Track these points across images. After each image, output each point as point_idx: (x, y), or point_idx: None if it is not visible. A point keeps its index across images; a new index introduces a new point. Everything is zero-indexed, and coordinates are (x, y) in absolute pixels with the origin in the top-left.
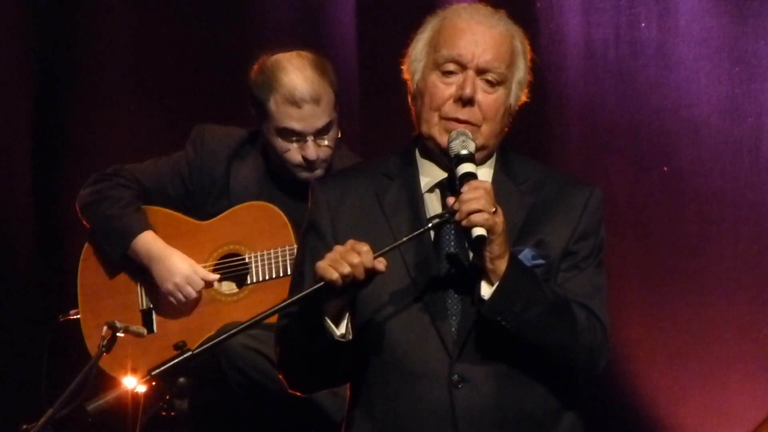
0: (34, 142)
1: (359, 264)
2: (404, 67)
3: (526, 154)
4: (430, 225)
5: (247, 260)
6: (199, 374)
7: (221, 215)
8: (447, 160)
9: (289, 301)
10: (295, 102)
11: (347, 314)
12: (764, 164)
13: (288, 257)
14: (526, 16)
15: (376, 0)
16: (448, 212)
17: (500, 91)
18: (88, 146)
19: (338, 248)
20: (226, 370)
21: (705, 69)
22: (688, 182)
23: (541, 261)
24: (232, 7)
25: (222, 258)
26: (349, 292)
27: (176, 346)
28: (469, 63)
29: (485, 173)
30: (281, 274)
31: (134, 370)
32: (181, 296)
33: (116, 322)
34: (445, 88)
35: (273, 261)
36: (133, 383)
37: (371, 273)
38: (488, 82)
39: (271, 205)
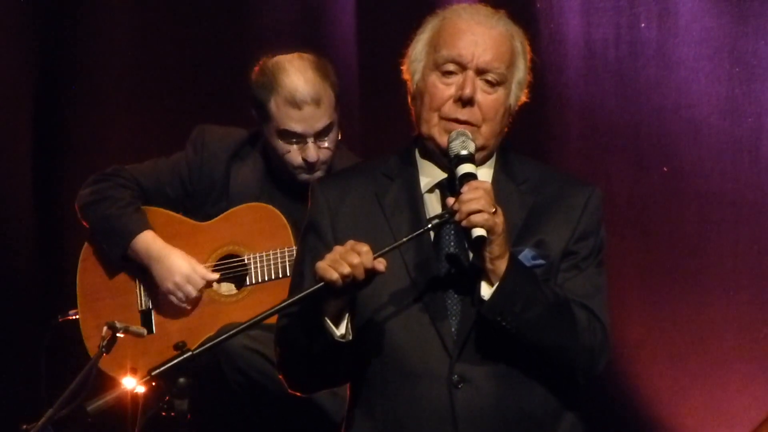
0: (34, 142)
1: (359, 264)
2: (404, 68)
3: (526, 154)
4: (430, 225)
5: (246, 261)
6: (199, 375)
7: (221, 216)
8: (447, 160)
9: (289, 301)
10: (295, 103)
11: (347, 314)
12: (764, 164)
13: (287, 258)
14: (526, 16)
15: (376, 0)
16: (448, 212)
17: (500, 92)
18: (88, 146)
19: (338, 248)
20: (226, 370)
21: (705, 69)
22: (688, 182)
23: (541, 261)
24: (232, 7)
25: (221, 259)
26: (349, 293)
27: (176, 347)
28: (469, 63)
29: (485, 173)
30: (280, 275)
31: (133, 371)
32: (181, 295)
33: (116, 322)
34: (444, 89)
35: (272, 262)
36: (132, 383)
37: (371, 273)
38: (488, 82)
39: (270, 207)
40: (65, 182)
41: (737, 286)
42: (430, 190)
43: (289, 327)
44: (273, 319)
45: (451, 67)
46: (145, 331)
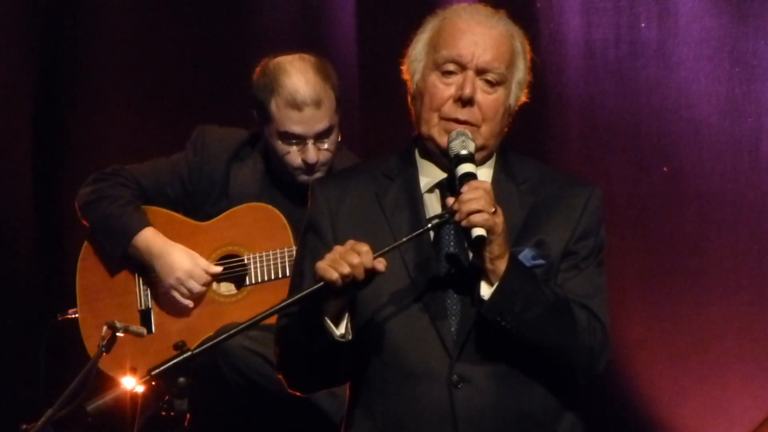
0: (34, 142)
1: (359, 264)
2: (404, 68)
3: (526, 154)
4: (429, 225)
5: (246, 261)
6: (199, 374)
7: (220, 216)
8: (447, 160)
9: (289, 301)
10: (296, 105)
11: (347, 314)
12: (764, 164)
13: (287, 259)
14: (526, 16)
15: (376, 0)
16: (448, 212)
17: (500, 92)
18: (88, 146)
19: (338, 248)
20: (225, 371)
21: (705, 69)
22: (688, 182)
23: (541, 261)
24: (232, 7)
25: (221, 259)
26: (349, 293)
27: (176, 346)
28: (468, 63)
29: (485, 173)
30: (280, 276)
31: (133, 370)
32: (184, 290)
33: (116, 322)
34: (444, 89)
35: (272, 262)
36: (132, 383)
37: (371, 273)
38: (488, 82)
39: (270, 207)
40: (65, 182)
41: (737, 286)
42: (430, 190)
43: (289, 327)
44: (272, 320)
45: (451, 67)
46: (144, 331)
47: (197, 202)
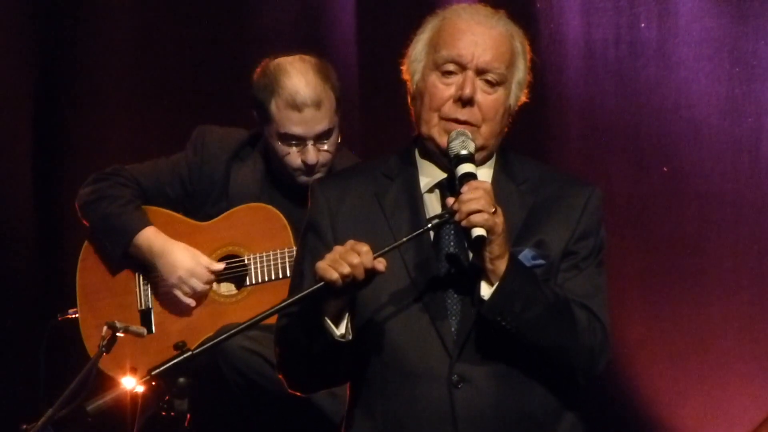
0: (34, 142)
1: (359, 264)
2: (404, 68)
3: (526, 154)
4: (429, 225)
5: (246, 262)
6: (199, 374)
7: (221, 216)
8: (447, 160)
9: (289, 301)
10: (296, 106)
11: (347, 314)
12: (764, 165)
13: (287, 259)
14: (526, 16)
15: (376, 0)
16: (448, 212)
17: (500, 92)
18: (88, 146)
19: (338, 248)
20: (225, 371)
21: (705, 69)
22: (688, 182)
23: (541, 261)
24: (232, 7)
25: (221, 259)
26: (349, 293)
27: (176, 346)
28: (468, 63)
29: (485, 173)
30: (280, 276)
31: (133, 370)
32: (187, 289)
33: (116, 322)
34: (444, 89)
35: (272, 263)
36: (132, 383)
37: (371, 273)
38: (488, 82)
39: (270, 207)
40: (65, 182)
41: (737, 286)
42: (430, 190)
43: (289, 327)
44: (272, 320)
45: (450, 67)
46: (144, 331)
47: (197, 202)
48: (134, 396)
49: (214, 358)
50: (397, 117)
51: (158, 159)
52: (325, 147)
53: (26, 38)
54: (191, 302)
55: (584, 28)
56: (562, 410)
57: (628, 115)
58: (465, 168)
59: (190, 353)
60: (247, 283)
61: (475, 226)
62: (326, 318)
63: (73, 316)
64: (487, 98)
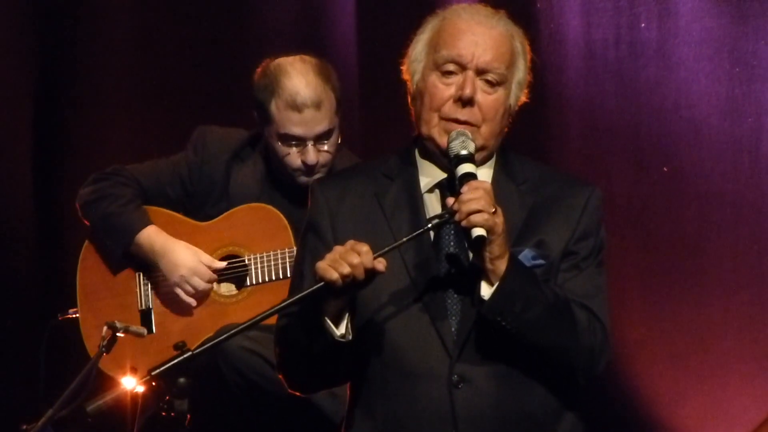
0: (34, 142)
1: (359, 264)
2: (404, 68)
3: (526, 154)
4: (429, 225)
5: (246, 262)
6: (199, 375)
7: (221, 216)
8: (447, 160)
9: (289, 301)
10: (296, 106)
11: (347, 314)
12: (764, 165)
13: (288, 259)
14: (526, 16)
15: (376, 0)
16: (448, 212)
17: (500, 92)
18: (88, 146)
19: (338, 248)
20: (224, 371)
21: (705, 69)
22: (688, 182)
23: (541, 261)
24: (232, 7)
25: (222, 259)
26: (349, 293)
27: (176, 347)
28: (468, 63)
29: (485, 174)
30: (281, 276)
31: (133, 371)
32: (188, 288)
33: (116, 322)
34: (444, 89)
35: (272, 263)
36: (132, 383)
37: (371, 273)
38: (488, 82)
39: (271, 207)
40: (65, 182)
41: (737, 286)
42: (430, 190)
43: (289, 327)
44: (272, 320)
45: (451, 67)
46: (145, 331)
47: (197, 202)
48: (134, 396)
49: (214, 358)
50: (397, 117)
51: (158, 159)
52: (325, 147)
53: (26, 38)
54: (192, 301)
55: (584, 28)
56: (563, 410)
57: (628, 115)
58: (465, 168)
59: (190, 353)
60: (248, 283)
61: (475, 226)
62: (326, 318)
63: (74, 316)
64: (487, 98)
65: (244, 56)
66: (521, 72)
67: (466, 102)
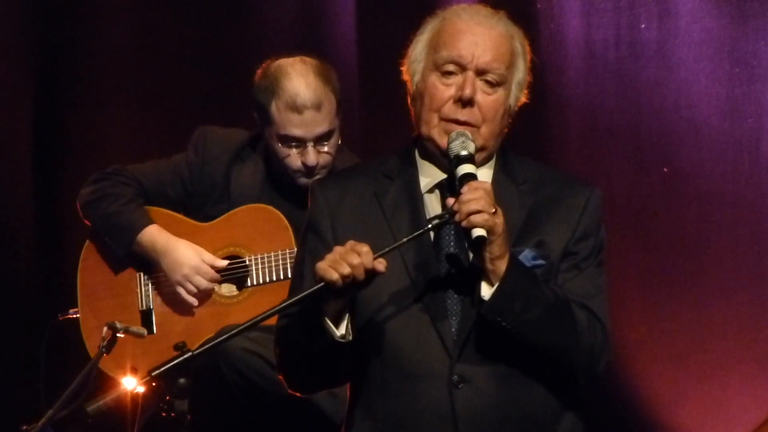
0: (34, 142)
1: (359, 265)
2: (404, 68)
3: (526, 154)
4: (430, 226)
5: (247, 262)
6: (199, 375)
7: (222, 217)
8: (447, 161)
9: (289, 301)
10: (296, 108)
11: (347, 315)
12: (764, 165)
13: (288, 260)
14: (526, 16)
15: (376, 0)
16: (448, 213)
17: (500, 92)
18: (88, 146)
19: (338, 249)
20: (225, 372)
21: (705, 70)
22: (688, 183)
23: (541, 261)
24: (232, 7)
25: (222, 260)
26: (349, 293)
27: (176, 347)
28: (468, 64)
29: (485, 174)
30: (281, 277)
31: (134, 371)
32: (191, 287)
33: (116, 322)
34: (444, 89)
35: (273, 264)
36: (132, 384)
37: (371, 274)
38: (488, 83)
39: (271, 208)
40: (65, 182)
41: (737, 286)
42: (430, 191)
43: (289, 327)
44: (272, 321)
45: (450, 67)
46: (145, 332)
47: (198, 202)
48: (134, 396)
49: (215, 359)
50: (397, 117)
51: (159, 159)
52: (326, 149)
53: (26, 38)
54: (194, 301)
55: (584, 28)
56: (563, 410)
57: (629, 116)
58: (465, 168)
59: (190, 354)
60: (249, 284)
61: (476, 226)
62: (326, 318)
63: (74, 316)
64: (487, 99)
65: (244, 56)
66: (521, 72)
67: (466, 102)
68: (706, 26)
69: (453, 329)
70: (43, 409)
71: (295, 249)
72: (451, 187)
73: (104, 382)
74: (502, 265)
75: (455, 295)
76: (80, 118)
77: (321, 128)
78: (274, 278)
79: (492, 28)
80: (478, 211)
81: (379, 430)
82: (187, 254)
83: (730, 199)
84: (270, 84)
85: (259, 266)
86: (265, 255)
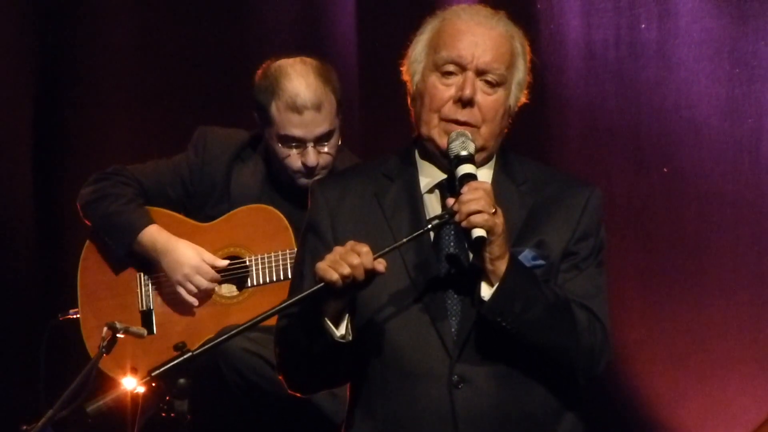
0: (34, 142)
1: (359, 265)
2: (404, 69)
3: (526, 154)
4: (429, 226)
5: (247, 263)
6: (199, 376)
7: (222, 217)
8: (447, 161)
9: (289, 302)
10: (296, 108)
11: (347, 315)
12: (764, 165)
13: (288, 260)
14: (526, 17)
15: (376, 0)
16: (448, 213)
17: (500, 92)
18: (88, 146)
19: (338, 249)
20: (225, 372)
21: (705, 70)
22: (688, 183)
23: (541, 261)
24: (232, 7)
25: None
26: (349, 293)
27: (176, 347)
28: (468, 64)
29: (485, 174)
30: (282, 277)
31: (134, 371)
32: (191, 287)
33: (116, 322)
34: (444, 90)
35: (273, 264)
36: (132, 384)
37: (371, 274)
38: (488, 83)
39: (272, 208)
40: (65, 182)
41: (737, 286)
42: (430, 191)
43: (289, 327)
44: (272, 321)
45: (450, 68)
46: (145, 332)
47: (198, 203)
48: (134, 397)
49: (215, 359)
50: (397, 117)
51: (159, 159)
52: (326, 149)
53: (26, 38)
54: (194, 300)
55: (584, 29)
56: (563, 410)
57: (629, 116)
58: (465, 169)
59: (190, 354)
60: (249, 284)
61: (475, 226)
62: (326, 319)
63: (74, 316)
64: (487, 99)
65: (244, 56)
66: (521, 73)
67: (466, 103)
68: (706, 26)
69: (453, 329)
70: (43, 409)
71: (295, 249)
72: (451, 187)
73: (104, 382)
74: (502, 266)
75: (455, 296)
76: (80, 118)
77: (321, 128)
78: (274, 278)
79: (492, 28)
80: (478, 212)
81: (379, 430)
82: (187, 254)
83: (730, 199)
84: (270, 84)
85: (260, 266)
86: (266, 255)
